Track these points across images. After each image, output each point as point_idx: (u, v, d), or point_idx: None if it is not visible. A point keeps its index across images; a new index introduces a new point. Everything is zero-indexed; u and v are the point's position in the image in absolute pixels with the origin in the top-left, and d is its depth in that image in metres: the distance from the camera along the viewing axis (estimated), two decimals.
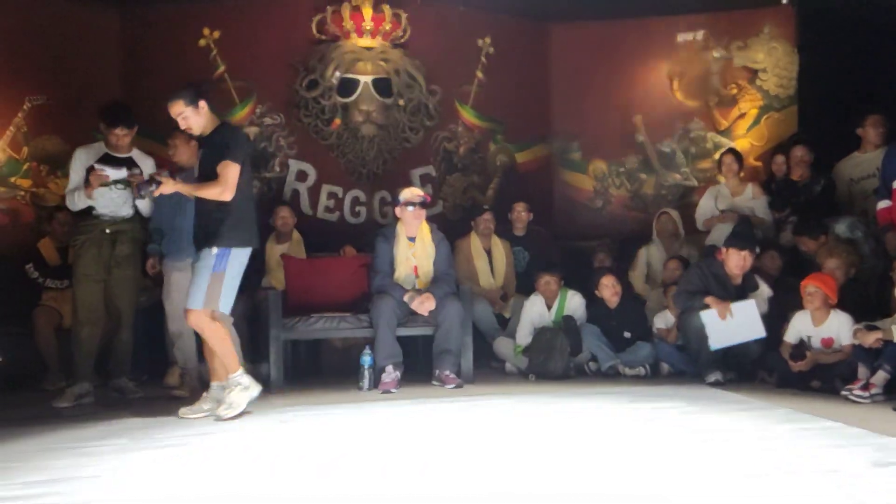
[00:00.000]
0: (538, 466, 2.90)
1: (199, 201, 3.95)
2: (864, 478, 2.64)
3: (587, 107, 7.20)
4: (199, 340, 4.74)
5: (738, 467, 2.83)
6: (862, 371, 4.23)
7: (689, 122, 7.14)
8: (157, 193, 4.05)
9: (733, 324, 4.85)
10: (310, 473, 2.85)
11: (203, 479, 2.82)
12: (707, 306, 4.90)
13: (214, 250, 3.89)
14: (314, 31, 6.33)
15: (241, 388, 3.95)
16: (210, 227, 3.91)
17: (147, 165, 4.68)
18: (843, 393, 4.17)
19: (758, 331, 4.82)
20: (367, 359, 4.81)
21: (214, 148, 3.91)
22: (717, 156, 6.74)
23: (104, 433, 3.67)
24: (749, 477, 2.70)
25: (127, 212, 4.60)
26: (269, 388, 4.79)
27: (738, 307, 4.86)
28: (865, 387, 4.10)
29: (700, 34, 7.11)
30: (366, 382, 4.78)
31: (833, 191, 5.63)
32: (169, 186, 3.98)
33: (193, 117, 3.92)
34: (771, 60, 7.03)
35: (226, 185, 3.86)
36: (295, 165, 6.43)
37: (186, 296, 3.94)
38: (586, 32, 7.20)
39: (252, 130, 6.33)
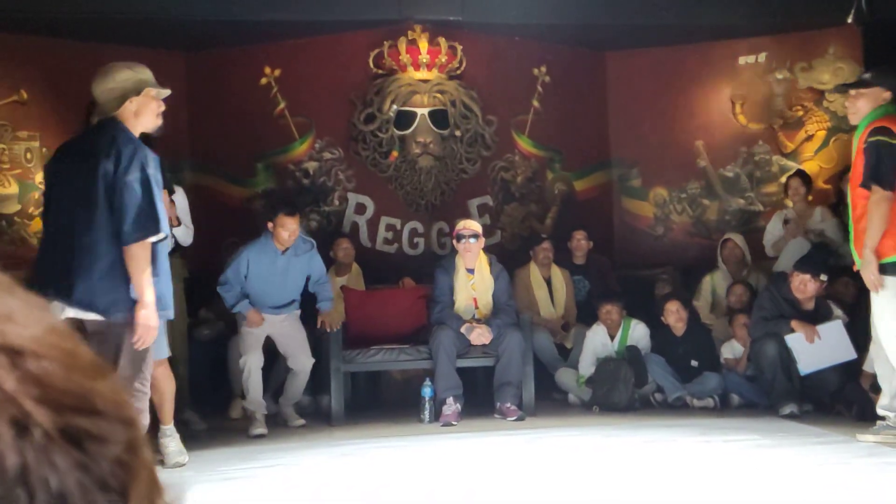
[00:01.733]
0: (603, 502, 2.80)
1: None
2: None
3: (646, 133, 7.10)
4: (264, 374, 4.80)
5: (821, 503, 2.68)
6: None
7: (752, 145, 6.96)
8: None
9: (822, 346, 4.66)
10: (350, 500, 2.82)
11: None
12: (792, 331, 4.72)
13: None
14: (371, 65, 6.43)
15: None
16: None
17: (179, 198, 4.54)
18: None
19: (848, 353, 4.62)
20: (427, 391, 4.77)
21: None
22: (783, 179, 6.54)
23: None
24: None
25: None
26: (331, 420, 4.79)
27: (825, 329, 4.68)
28: None
29: (762, 56, 6.96)
30: (426, 414, 4.74)
31: None
32: None
33: None
34: (837, 81, 6.81)
35: None
36: (354, 198, 6.49)
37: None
38: (644, 60, 7.13)
39: (311, 165, 6.43)
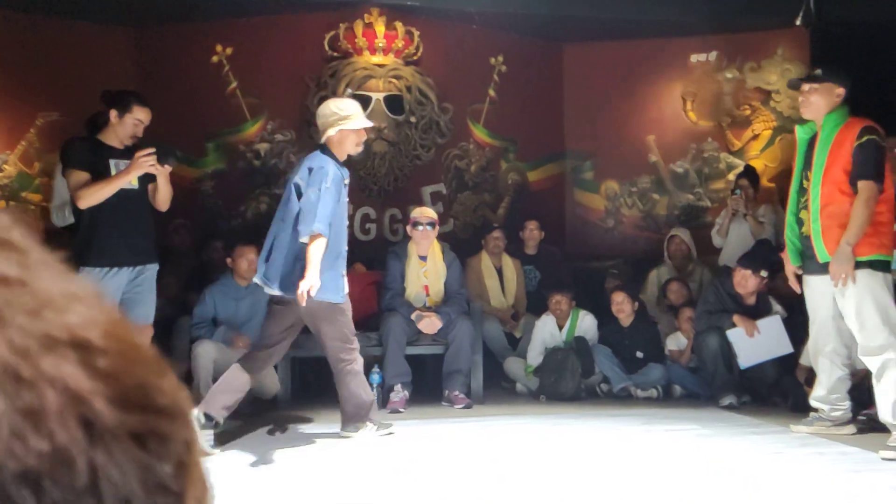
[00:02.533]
0: (546, 490, 2.83)
1: (148, 212, 3.93)
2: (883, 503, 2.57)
3: (600, 126, 7.17)
4: None
5: (756, 492, 2.76)
6: None
7: (702, 142, 7.10)
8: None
9: (761, 341, 4.80)
10: (300, 488, 2.80)
11: None
12: (734, 325, 4.85)
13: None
14: (326, 47, 6.34)
15: None
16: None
17: None
18: (860, 418, 4.10)
19: (785, 346, 4.77)
20: (375, 377, 4.75)
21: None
22: (731, 176, 6.69)
23: None
24: (770, 502, 2.63)
25: None
26: (277, 406, 4.74)
27: (764, 324, 4.82)
28: None
29: (713, 55, 7.08)
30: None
31: None
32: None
33: None
34: (784, 82, 6.97)
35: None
36: None
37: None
38: (600, 53, 7.19)
39: (262, 147, 6.32)
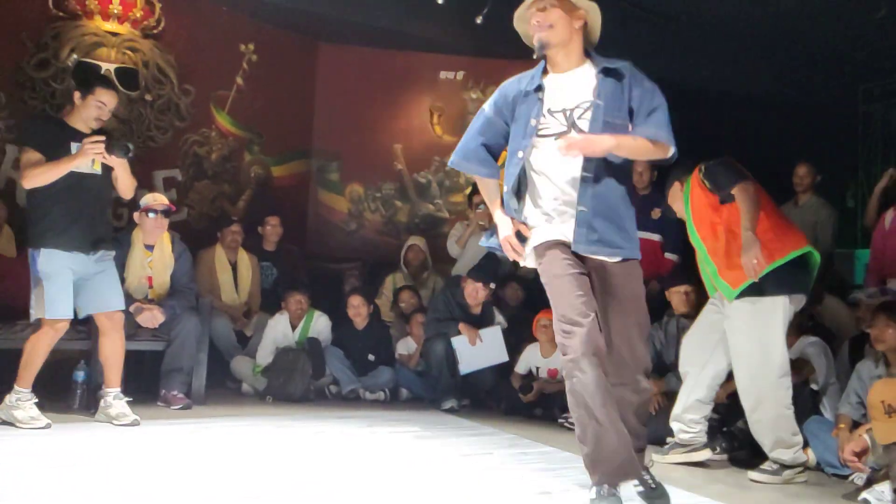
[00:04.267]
0: (256, 491, 2.72)
1: (107, 199, 3.95)
2: (571, 499, 2.82)
3: (349, 129, 7.20)
4: None
5: (464, 490, 2.88)
6: None
7: (445, 155, 7.41)
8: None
9: (481, 349, 5.09)
10: None
11: None
12: (458, 333, 5.09)
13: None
14: (50, 5, 5.65)
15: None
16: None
17: None
18: (560, 420, 4.51)
19: (502, 356, 5.11)
20: (80, 374, 4.30)
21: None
22: (467, 191, 7.06)
23: None
24: (473, 499, 2.75)
25: None
26: None
27: (486, 333, 5.13)
28: None
29: (460, 74, 7.45)
30: (77, 401, 4.27)
31: None
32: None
33: None
34: None
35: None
36: (14, 152, 5.63)
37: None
38: (354, 56, 7.22)
39: None
